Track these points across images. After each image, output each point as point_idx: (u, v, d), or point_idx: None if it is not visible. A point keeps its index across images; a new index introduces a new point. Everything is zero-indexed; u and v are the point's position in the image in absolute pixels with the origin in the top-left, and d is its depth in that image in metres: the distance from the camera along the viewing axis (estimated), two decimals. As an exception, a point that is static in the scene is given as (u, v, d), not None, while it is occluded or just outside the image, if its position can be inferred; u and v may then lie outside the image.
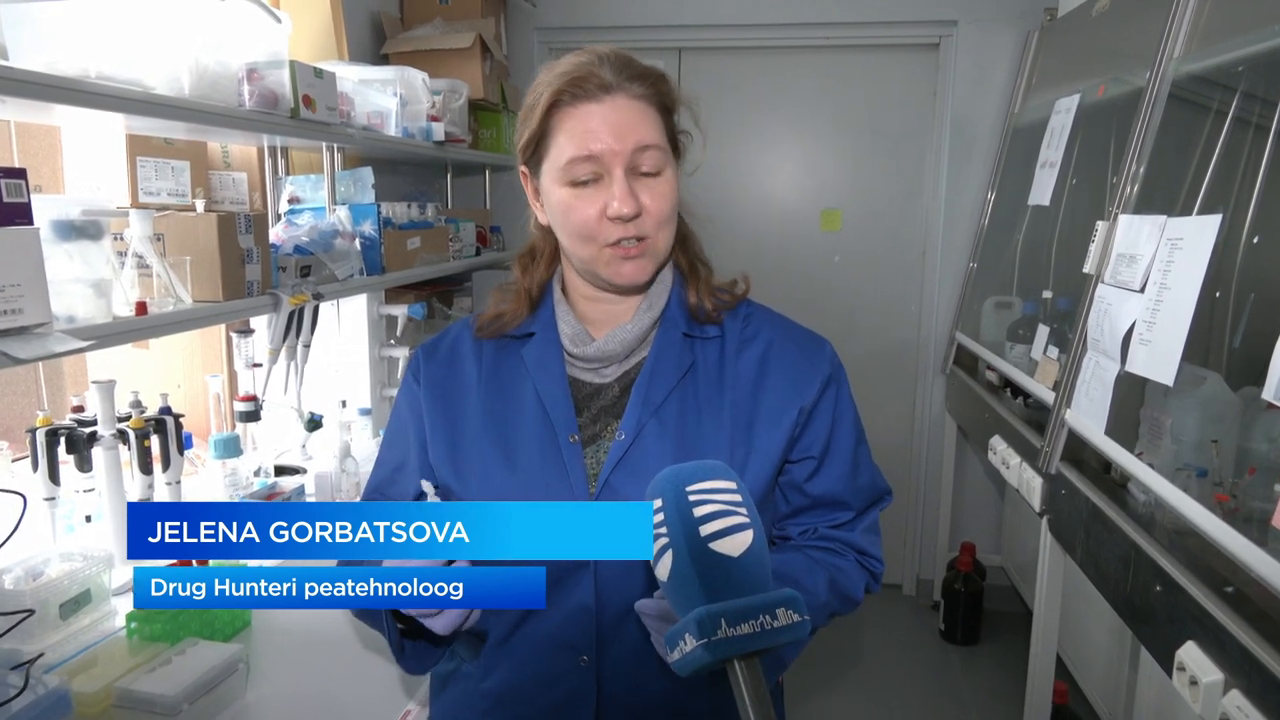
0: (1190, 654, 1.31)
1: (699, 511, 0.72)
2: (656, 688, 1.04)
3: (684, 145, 1.10)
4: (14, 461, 1.61)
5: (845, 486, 1.11)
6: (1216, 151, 1.60)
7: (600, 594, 1.02)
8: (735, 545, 0.71)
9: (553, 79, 1.01)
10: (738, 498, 0.74)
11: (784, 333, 1.14)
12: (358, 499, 1.85)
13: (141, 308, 1.41)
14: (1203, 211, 1.58)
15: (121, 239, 1.48)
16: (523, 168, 1.09)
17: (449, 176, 3.37)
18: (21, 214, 1.14)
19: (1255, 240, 1.44)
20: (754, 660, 0.68)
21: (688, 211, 1.16)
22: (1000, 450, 2.41)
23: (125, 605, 1.37)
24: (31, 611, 1.18)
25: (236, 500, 1.82)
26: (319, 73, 1.84)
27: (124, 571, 1.54)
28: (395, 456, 1.15)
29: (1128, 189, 1.90)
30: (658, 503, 0.74)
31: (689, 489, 0.73)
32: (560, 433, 1.05)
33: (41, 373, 1.85)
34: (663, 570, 0.73)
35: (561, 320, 1.11)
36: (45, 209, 1.26)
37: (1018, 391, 2.62)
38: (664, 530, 0.73)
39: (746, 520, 0.73)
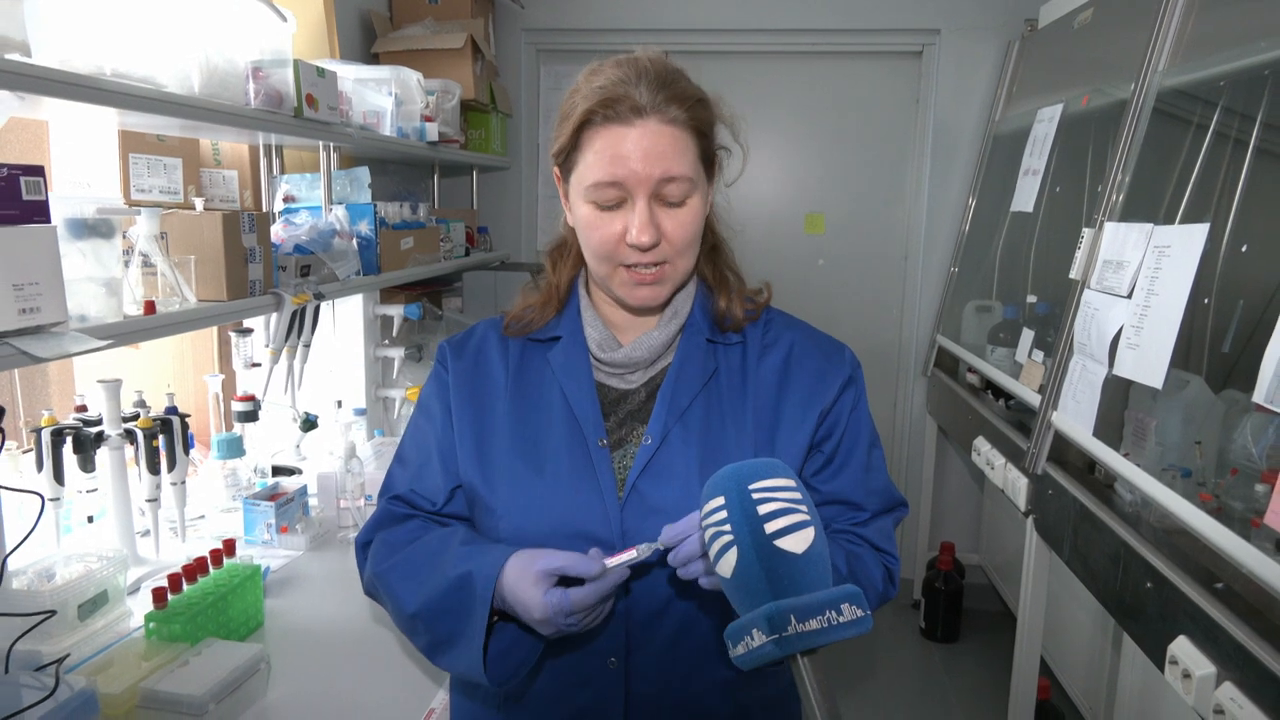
0: (1182, 648, 1.35)
1: (763, 509, 0.74)
2: (683, 688, 1.06)
3: (721, 160, 1.10)
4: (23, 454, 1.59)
5: (858, 486, 1.13)
6: (1199, 163, 1.66)
7: (630, 597, 1.04)
8: (799, 542, 0.73)
9: (589, 93, 0.99)
10: (798, 495, 0.76)
11: (805, 337, 1.16)
12: (362, 500, 1.84)
13: (150, 307, 1.40)
14: (1185, 220, 1.64)
15: (126, 237, 1.48)
16: (556, 170, 1.09)
17: (436, 176, 3.37)
18: (40, 211, 1.13)
19: (1238, 249, 1.49)
20: (817, 654, 0.70)
21: (721, 222, 1.18)
22: (985, 451, 2.46)
23: (140, 605, 1.36)
24: (53, 612, 1.17)
25: (239, 499, 1.82)
26: (321, 72, 1.84)
27: (136, 572, 1.54)
28: (422, 453, 1.15)
29: (1114, 197, 1.95)
30: (719, 500, 0.76)
31: (751, 487, 0.75)
32: (590, 437, 1.06)
33: (15, 371, 1.82)
34: (725, 567, 0.74)
35: (588, 325, 1.12)
36: (59, 207, 1.25)
37: (999, 393, 2.67)
38: (727, 528, 0.74)
39: (808, 517, 0.75)
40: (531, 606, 0.94)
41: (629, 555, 0.95)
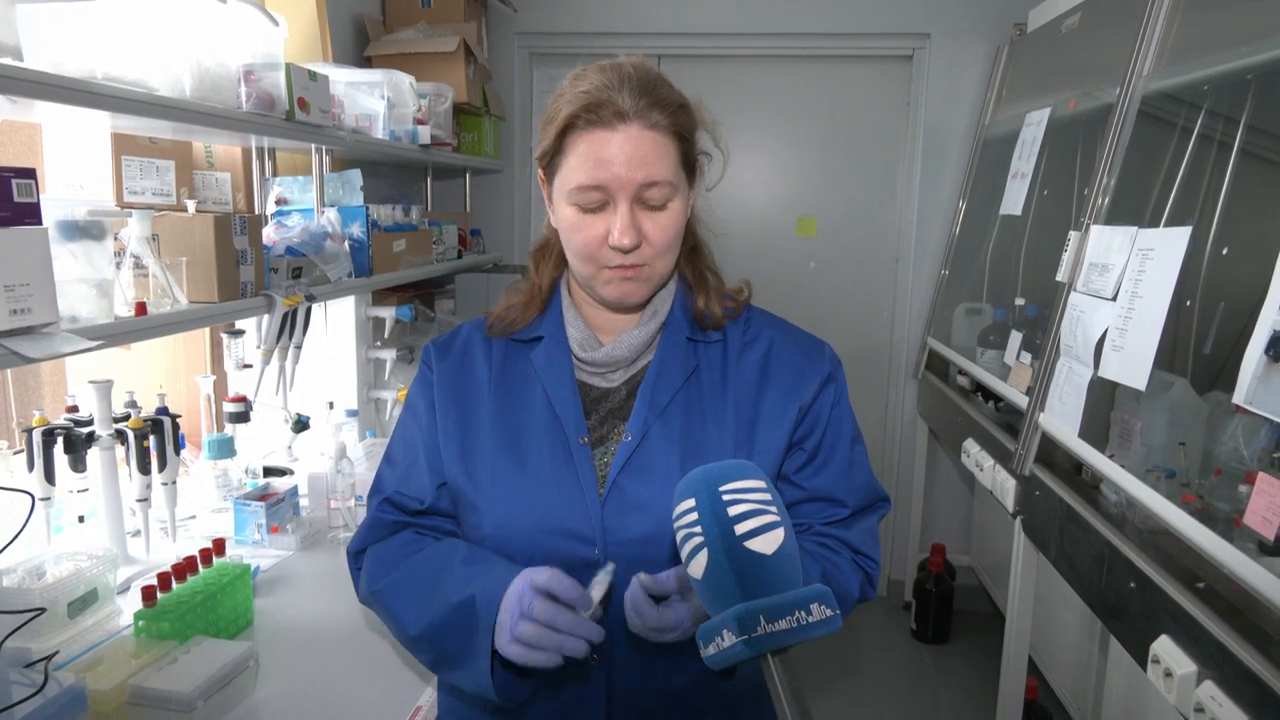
0: (1165, 647, 1.37)
1: (733, 511, 0.74)
2: (665, 683, 1.07)
3: (701, 165, 1.12)
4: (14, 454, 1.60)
5: (840, 482, 1.14)
6: (1183, 166, 1.68)
7: (611, 593, 1.04)
8: (768, 543, 0.73)
9: (573, 97, 1.01)
10: (767, 496, 0.76)
11: (784, 334, 1.17)
12: (353, 501, 1.85)
13: (141, 308, 1.42)
14: (1170, 223, 1.66)
15: (118, 239, 1.48)
16: (540, 172, 1.11)
17: (429, 179, 3.38)
18: (31, 214, 1.15)
19: (1223, 252, 1.51)
20: (787, 654, 0.71)
21: (702, 224, 1.20)
22: (974, 453, 2.48)
23: (130, 605, 1.37)
24: (43, 610, 1.18)
25: (230, 500, 1.82)
26: (313, 75, 1.85)
27: (126, 571, 1.55)
28: (410, 453, 1.16)
29: (1099, 200, 1.97)
30: (690, 502, 0.77)
31: (722, 489, 0.76)
32: (571, 435, 1.07)
33: (8, 372, 1.82)
34: (696, 569, 0.75)
35: (570, 325, 1.14)
36: (50, 209, 1.26)
37: (989, 395, 2.69)
38: (698, 530, 0.75)
39: (778, 518, 0.75)
40: (503, 607, 0.94)
41: (602, 578, 0.95)
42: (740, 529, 0.74)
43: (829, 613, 0.72)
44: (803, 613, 0.71)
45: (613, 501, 1.05)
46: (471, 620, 0.98)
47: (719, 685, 1.10)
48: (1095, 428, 1.79)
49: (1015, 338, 2.39)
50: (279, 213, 2.18)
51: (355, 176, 2.33)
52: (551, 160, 1.06)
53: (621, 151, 0.99)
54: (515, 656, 0.92)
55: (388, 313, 2.43)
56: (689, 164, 1.08)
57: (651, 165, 1.00)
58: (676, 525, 0.78)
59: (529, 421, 1.10)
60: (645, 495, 1.05)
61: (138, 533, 1.67)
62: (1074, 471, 1.96)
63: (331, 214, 2.15)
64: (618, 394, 1.12)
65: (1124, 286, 1.72)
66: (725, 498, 0.75)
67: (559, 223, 1.08)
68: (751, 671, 1.12)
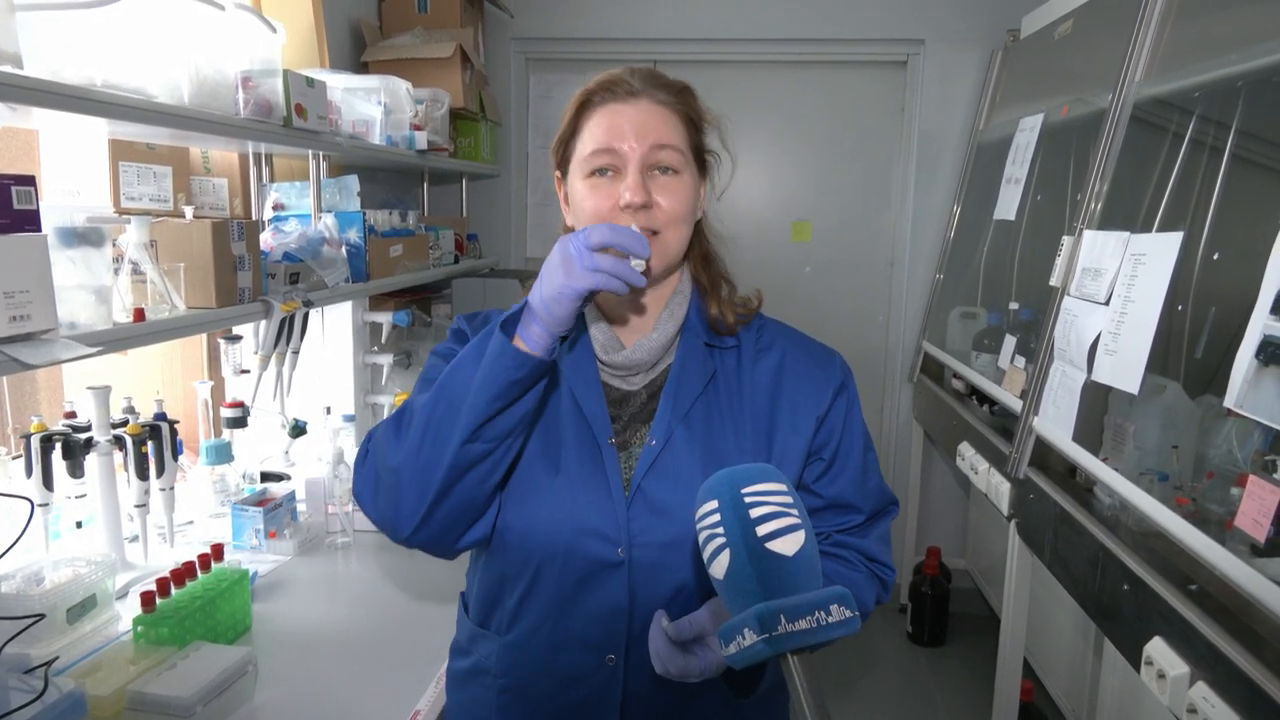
0: (1157, 649, 1.38)
1: (755, 513, 0.76)
2: (680, 686, 1.07)
3: (711, 164, 1.16)
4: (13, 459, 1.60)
5: (855, 489, 1.16)
6: (1175, 171, 1.69)
7: (633, 595, 1.06)
8: (789, 545, 0.75)
9: (588, 84, 1.09)
10: (789, 499, 0.78)
11: (797, 344, 1.19)
12: (350, 506, 1.86)
13: (139, 314, 1.42)
14: (1162, 228, 1.67)
15: (116, 245, 1.49)
16: (557, 172, 1.15)
17: (426, 184, 3.39)
18: (30, 220, 1.15)
19: (1214, 256, 1.52)
20: (807, 653, 0.72)
21: (712, 232, 1.22)
22: (969, 456, 2.49)
23: (128, 610, 1.37)
24: (42, 616, 1.19)
25: (228, 505, 1.83)
26: (310, 82, 1.86)
27: (125, 577, 1.55)
28: None
29: (1092, 205, 1.99)
30: (713, 504, 0.78)
31: (744, 491, 0.78)
32: (600, 436, 1.09)
33: (5, 378, 1.83)
34: (719, 569, 0.77)
35: (593, 326, 1.15)
36: (49, 215, 1.26)
37: (984, 399, 2.70)
38: (720, 531, 0.77)
39: (799, 521, 0.77)
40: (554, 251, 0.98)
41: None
42: (762, 530, 0.76)
43: (848, 614, 0.73)
44: (822, 613, 0.72)
45: (637, 504, 1.06)
46: (484, 342, 1.00)
47: (729, 687, 1.10)
48: (1089, 431, 1.80)
49: (1009, 342, 2.40)
50: (276, 218, 2.18)
51: (352, 182, 2.34)
52: (567, 146, 1.12)
53: (632, 121, 1.06)
54: (591, 284, 0.96)
55: (385, 318, 2.43)
56: (699, 154, 1.13)
57: (661, 131, 1.07)
58: (699, 526, 0.80)
59: (556, 422, 1.11)
60: (668, 500, 1.06)
61: (136, 538, 1.67)
62: (1068, 475, 1.97)
63: (329, 219, 2.16)
64: (638, 397, 1.14)
65: (1117, 291, 1.73)
66: (747, 500, 0.77)
67: (574, 202, 1.11)
68: (762, 674, 1.15)
